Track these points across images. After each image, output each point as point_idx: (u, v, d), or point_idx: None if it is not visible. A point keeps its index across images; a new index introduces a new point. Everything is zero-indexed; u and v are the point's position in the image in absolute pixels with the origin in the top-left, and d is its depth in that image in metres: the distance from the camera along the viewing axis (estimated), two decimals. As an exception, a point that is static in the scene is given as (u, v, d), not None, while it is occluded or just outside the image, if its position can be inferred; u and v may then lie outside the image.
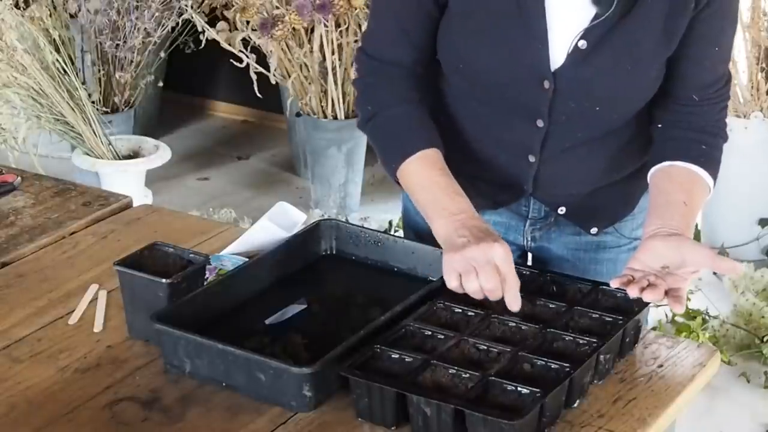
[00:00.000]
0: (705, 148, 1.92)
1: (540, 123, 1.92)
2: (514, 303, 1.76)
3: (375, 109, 1.96)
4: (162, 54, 4.70)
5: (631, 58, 1.86)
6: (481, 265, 1.75)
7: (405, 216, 2.20)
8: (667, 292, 1.77)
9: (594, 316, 1.80)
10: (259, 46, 4.39)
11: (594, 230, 2.07)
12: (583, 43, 1.85)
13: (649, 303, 1.82)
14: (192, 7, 4.40)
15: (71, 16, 4.44)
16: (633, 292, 1.76)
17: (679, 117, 1.94)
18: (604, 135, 1.96)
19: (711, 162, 1.93)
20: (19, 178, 2.45)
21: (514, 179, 2.01)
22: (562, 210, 2.04)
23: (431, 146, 1.90)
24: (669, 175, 1.91)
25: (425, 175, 1.88)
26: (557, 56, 1.86)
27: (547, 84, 1.88)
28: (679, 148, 1.93)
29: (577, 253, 2.09)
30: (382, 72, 1.96)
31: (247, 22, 4.34)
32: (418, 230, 2.15)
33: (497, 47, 1.88)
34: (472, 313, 1.80)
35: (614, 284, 1.79)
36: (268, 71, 4.43)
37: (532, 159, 1.97)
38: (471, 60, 1.91)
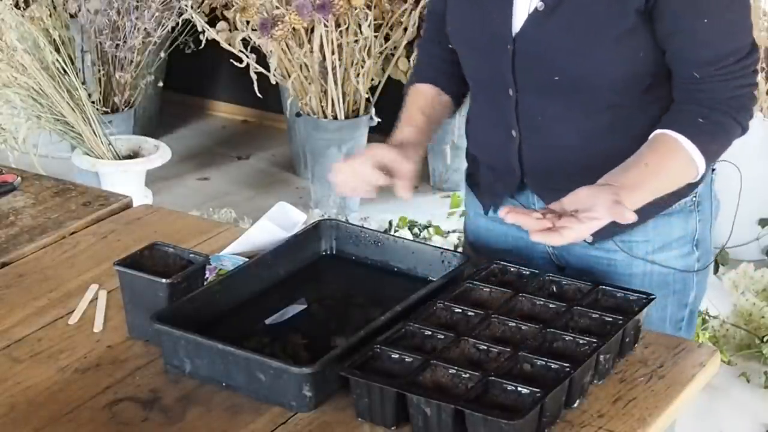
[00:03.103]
0: (701, 121, 1.85)
1: (510, 92, 1.94)
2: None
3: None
4: (162, 54, 4.70)
5: (584, 23, 1.84)
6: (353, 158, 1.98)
7: (466, 222, 2.22)
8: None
9: (594, 316, 1.80)
10: (259, 46, 4.39)
11: (589, 238, 2.04)
12: (540, 5, 1.85)
13: (648, 304, 1.82)
14: (192, 7, 4.40)
15: (71, 16, 4.44)
16: (503, 212, 1.73)
17: (686, 95, 1.89)
18: (578, 115, 1.92)
19: (704, 135, 1.85)
20: (19, 178, 2.45)
21: (504, 160, 2.01)
22: None
23: (428, 82, 2.08)
24: (650, 141, 1.86)
25: (406, 107, 2.07)
26: (519, 19, 1.88)
27: (509, 47, 1.90)
28: (670, 118, 1.87)
29: (590, 270, 2.05)
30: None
31: (247, 22, 4.34)
32: (479, 248, 2.15)
33: (470, 11, 1.94)
34: (472, 313, 1.80)
35: (501, 213, 1.75)
36: (268, 71, 4.43)
37: (514, 134, 1.97)
38: (453, 25, 1.99)
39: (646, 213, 1.96)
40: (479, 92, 2.04)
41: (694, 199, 2.02)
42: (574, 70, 1.87)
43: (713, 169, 2.08)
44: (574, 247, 2.04)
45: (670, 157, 1.84)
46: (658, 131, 1.86)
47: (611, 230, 1.95)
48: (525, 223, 1.72)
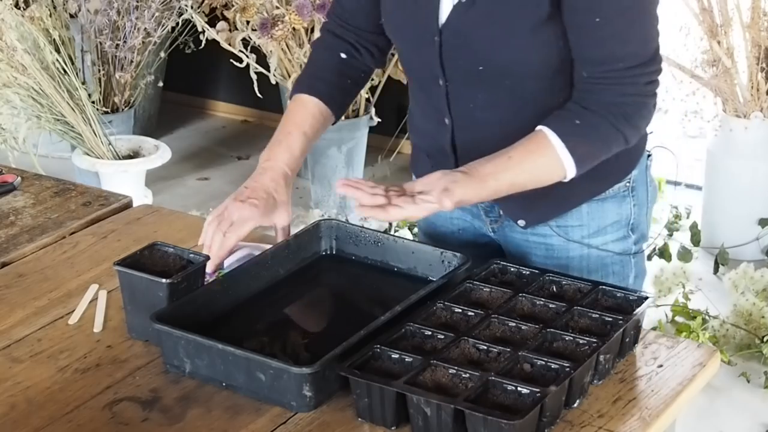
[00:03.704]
0: (577, 123, 1.86)
1: (440, 81, 1.97)
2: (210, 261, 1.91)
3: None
4: (162, 54, 4.70)
5: (502, 14, 1.86)
6: (225, 217, 1.95)
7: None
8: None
9: (594, 316, 1.80)
10: (259, 46, 4.39)
11: (522, 222, 2.05)
12: None
13: (646, 302, 1.82)
14: (192, 7, 4.40)
15: (71, 16, 4.44)
16: (337, 183, 1.81)
17: (575, 93, 1.89)
18: (505, 103, 1.94)
19: (577, 138, 1.85)
20: (19, 178, 2.45)
21: (439, 146, 2.04)
22: None
23: (314, 94, 2.08)
24: (528, 135, 1.88)
25: (288, 119, 2.08)
26: (445, 10, 1.91)
27: (436, 39, 1.93)
28: (553, 115, 1.88)
29: (530, 255, 2.08)
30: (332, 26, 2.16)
31: (247, 22, 4.34)
32: (429, 232, 2.18)
33: (402, 3, 1.98)
34: (472, 313, 1.80)
35: (336, 184, 1.83)
36: (268, 71, 4.43)
37: (447, 121, 2.00)
38: (386, 17, 2.02)
39: (579, 198, 2.02)
40: (413, 81, 2.07)
41: (628, 184, 2.04)
42: (496, 59, 1.90)
43: (649, 155, 2.09)
44: (512, 233, 2.08)
45: (538, 154, 1.86)
46: (538, 126, 1.88)
47: (545, 215, 2.03)
48: (357, 196, 1.80)
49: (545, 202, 1.99)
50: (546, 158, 1.85)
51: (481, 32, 1.89)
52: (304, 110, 2.08)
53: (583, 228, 2.05)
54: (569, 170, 1.86)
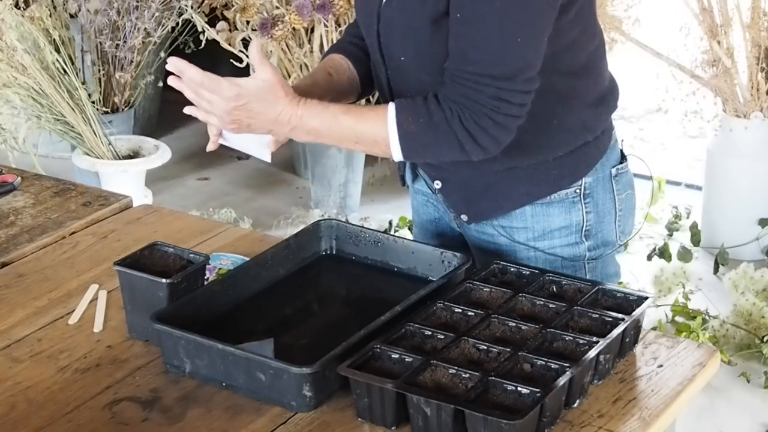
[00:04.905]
0: (419, 104, 1.88)
1: (383, 69, 2.01)
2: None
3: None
4: (162, 54, 4.70)
5: (411, 7, 1.88)
6: None
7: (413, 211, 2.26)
8: None
9: (594, 316, 1.80)
10: (259, 46, 4.39)
11: (464, 217, 2.06)
12: None
13: (646, 302, 1.82)
14: (192, 7, 4.40)
15: (71, 16, 4.44)
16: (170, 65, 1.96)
17: (440, 85, 1.90)
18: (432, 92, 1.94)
19: (410, 114, 1.87)
20: (19, 178, 2.45)
21: None
22: (438, 184, 2.06)
23: (343, 54, 2.11)
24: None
25: (313, 69, 2.14)
26: (383, 2, 1.96)
27: (375, 28, 1.98)
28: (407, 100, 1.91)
29: (484, 254, 2.08)
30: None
31: (247, 22, 4.34)
32: (417, 219, 2.23)
33: None
34: (472, 313, 1.80)
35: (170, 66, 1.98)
36: (268, 71, 4.43)
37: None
38: (354, 7, 2.08)
39: (519, 199, 2.02)
40: (373, 68, 2.09)
41: (578, 191, 2.03)
42: (411, 51, 1.94)
43: (621, 162, 2.09)
44: (469, 231, 2.09)
45: (371, 113, 1.90)
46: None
47: (486, 213, 2.05)
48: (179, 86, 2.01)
49: (484, 199, 2.02)
50: (374, 119, 1.89)
51: (399, 23, 1.93)
52: (327, 60, 2.12)
53: (528, 230, 2.05)
54: (392, 143, 1.88)
